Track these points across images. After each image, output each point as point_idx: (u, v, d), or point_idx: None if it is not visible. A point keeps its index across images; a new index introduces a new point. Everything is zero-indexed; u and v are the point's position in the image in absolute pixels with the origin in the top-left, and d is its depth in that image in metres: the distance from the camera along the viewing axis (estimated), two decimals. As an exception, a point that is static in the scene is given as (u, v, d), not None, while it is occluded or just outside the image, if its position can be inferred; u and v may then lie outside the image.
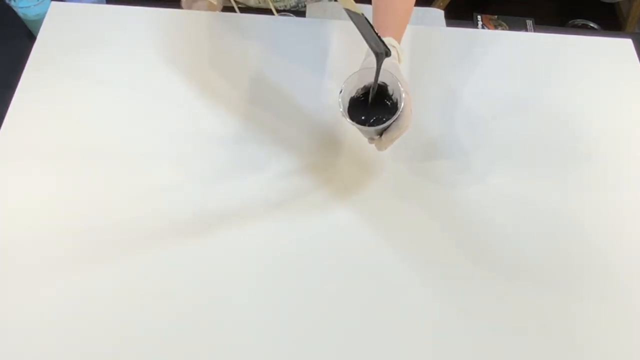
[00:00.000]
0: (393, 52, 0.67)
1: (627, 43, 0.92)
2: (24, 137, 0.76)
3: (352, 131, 0.72)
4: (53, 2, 0.88)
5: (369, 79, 0.65)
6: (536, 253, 0.72)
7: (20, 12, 0.88)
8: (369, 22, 0.57)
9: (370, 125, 0.64)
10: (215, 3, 0.91)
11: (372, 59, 0.64)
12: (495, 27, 1.32)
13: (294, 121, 0.80)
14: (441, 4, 1.73)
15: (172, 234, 0.70)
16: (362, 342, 0.65)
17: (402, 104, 0.62)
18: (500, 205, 0.75)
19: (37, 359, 0.62)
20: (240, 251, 0.70)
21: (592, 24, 1.86)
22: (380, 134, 0.66)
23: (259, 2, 1.00)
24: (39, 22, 0.86)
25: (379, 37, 0.57)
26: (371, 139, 0.69)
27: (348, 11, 0.58)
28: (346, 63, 0.85)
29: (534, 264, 0.71)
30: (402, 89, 0.62)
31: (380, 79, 0.64)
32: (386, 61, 0.66)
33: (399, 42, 0.70)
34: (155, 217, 0.71)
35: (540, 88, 0.86)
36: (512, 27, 1.29)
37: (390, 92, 0.66)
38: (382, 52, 0.60)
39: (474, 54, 0.89)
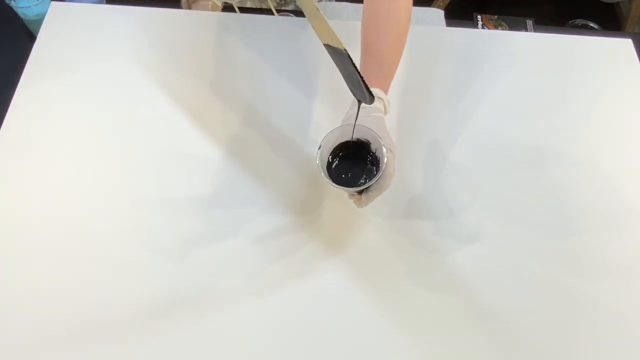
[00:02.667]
0: (379, 104, 0.65)
1: (627, 43, 0.92)
2: (24, 136, 0.76)
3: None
4: (53, 2, 0.88)
5: (350, 135, 0.63)
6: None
7: (20, 12, 0.88)
8: (352, 61, 0.53)
9: (349, 186, 0.63)
10: (218, 4, 0.91)
11: (355, 112, 0.62)
12: (495, 27, 1.32)
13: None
14: (441, 4, 1.73)
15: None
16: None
17: (384, 165, 0.60)
18: (494, 219, 0.75)
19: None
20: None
21: (592, 24, 1.86)
22: (361, 191, 0.64)
23: (260, 2, 1.00)
24: (39, 22, 0.86)
25: (362, 79, 0.54)
26: (351, 195, 0.66)
27: (328, 47, 0.55)
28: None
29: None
30: (384, 149, 0.61)
31: (362, 136, 0.63)
32: (371, 116, 0.64)
33: (387, 92, 0.67)
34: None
35: (541, 88, 0.86)
36: (512, 27, 1.29)
37: (373, 150, 0.64)
38: (361, 100, 0.58)
39: (474, 54, 0.89)
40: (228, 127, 0.79)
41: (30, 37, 0.89)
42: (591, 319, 0.68)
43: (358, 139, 0.64)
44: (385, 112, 0.67)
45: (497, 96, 0.85)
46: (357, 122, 0.62)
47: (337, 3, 1.08)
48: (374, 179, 0.61)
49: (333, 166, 0.65)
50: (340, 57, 0.54)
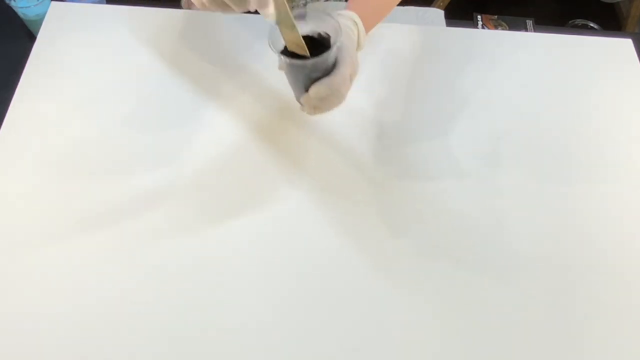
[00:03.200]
0: (352, 25, 0.62)
1: (627, 43, 0.92)
2: (24, 137, 0.76)
3: (343, 149, 0.71)
4: (53, 2, 0.88)
5: (314, 25, 0.59)
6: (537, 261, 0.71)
7: (20, 12, 0.88)
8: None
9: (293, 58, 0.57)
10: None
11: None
12: (495, 27, 1.32)
13: (285, 129, 0.80)
14: (441, 4, 1.73)
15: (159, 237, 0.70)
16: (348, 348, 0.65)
17: (336, 46, 0.56)
18: (497, 212, 0.75)
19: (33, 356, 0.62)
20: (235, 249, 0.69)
21: (592, 24, 1.86)
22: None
23: None
24: (39, 22, 0.86)
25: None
26: (302, 102, 0.63)
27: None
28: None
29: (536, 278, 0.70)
30: (345, 48, 0.57)
31: (324, 30, 0.59)
32: (344, 30, 0.60)
33: (367, 31, 0.65)
34: (149, 216, 0.71)
35: (540, 88, 0.86)
36: (512, 27, 1.29)
37: (333, 44, 0.58)
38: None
39: (474, 54, 0.89)
40: (228, 125, 0.79)
41: (30, 37, 0.89)
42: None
43: (319, 34, 0.60)
44: (359, 45, 0.64)
45: (497, 96, 0.85)
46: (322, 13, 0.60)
47: (337, 3, 1.07)
48: (320, 57, 0.56)
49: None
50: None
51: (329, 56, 0.57)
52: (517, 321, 0.67)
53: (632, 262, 0.72)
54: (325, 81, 0.58)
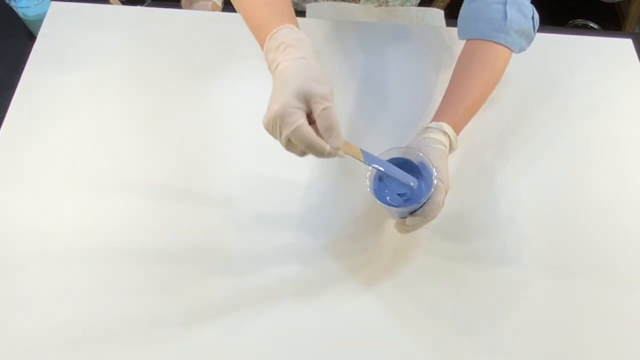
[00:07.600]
0: (442, 137, 0.65)
1: (627, 43, 0.92)
2: (24, 137, 0.76)
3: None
4: (53, 2, 0.88)
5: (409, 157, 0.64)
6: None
7: (20, 12, 0.88)
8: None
9: (394, 206, 0.63)
10: (219, 4, 0.91)
11: (420, 138, 0.65)
12: (495, 27, 1.32)
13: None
14: (441, 4, 1.73)
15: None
16: None
17: (431, 192, 0.60)
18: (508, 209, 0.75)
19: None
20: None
21: (592, 24, 1.85)
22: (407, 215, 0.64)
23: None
24: (39, 22, 0.86)
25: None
26: (397, 223, 0.66)
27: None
28: (346, 63, 0.85)
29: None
30: (434, 175, 0.60)
31: (415, 159, 0.64)
32: (430, 146, 0.64)
33: (458, 132, 0.68)
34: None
35: (540, 88, 0.86)
36: (512, 27, 1.29)
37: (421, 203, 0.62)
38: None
39: (474, 54, 0.89)
40: (230, 126, 0.79)
41: (30, 37, 0.90)
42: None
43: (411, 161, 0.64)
44: (451, 148, 0.67)
45: (497, 96, 0.85)
46: (414, 148, 0.64)
47: (337, 3, 1.07)
48: (420, 203, 0.61)
49: (381, 180, 0.65)
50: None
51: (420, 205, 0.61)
52: (520, 322, 0.67)
53: (633, 262, 0.72)
54: (421, 214, 0.62)
